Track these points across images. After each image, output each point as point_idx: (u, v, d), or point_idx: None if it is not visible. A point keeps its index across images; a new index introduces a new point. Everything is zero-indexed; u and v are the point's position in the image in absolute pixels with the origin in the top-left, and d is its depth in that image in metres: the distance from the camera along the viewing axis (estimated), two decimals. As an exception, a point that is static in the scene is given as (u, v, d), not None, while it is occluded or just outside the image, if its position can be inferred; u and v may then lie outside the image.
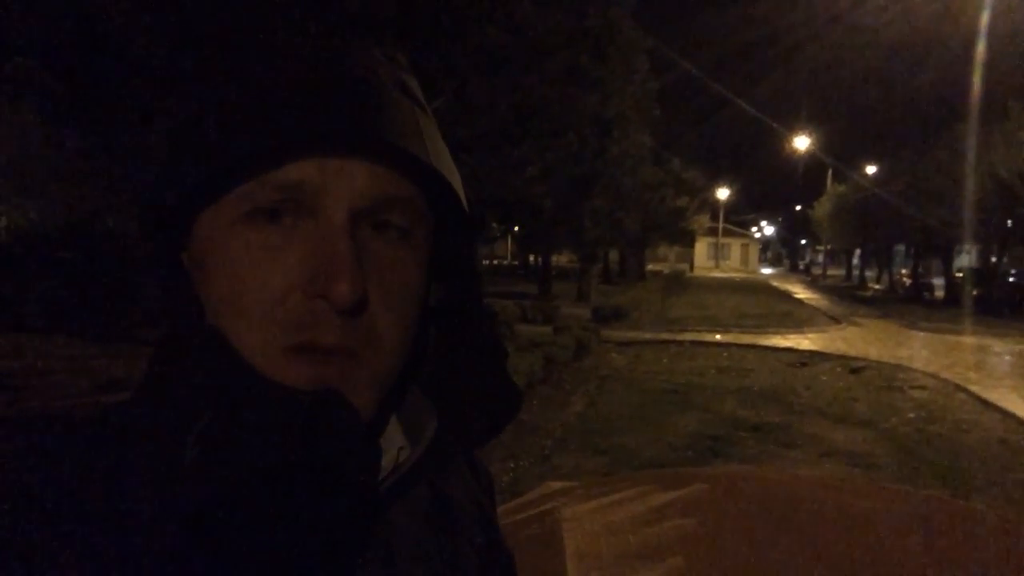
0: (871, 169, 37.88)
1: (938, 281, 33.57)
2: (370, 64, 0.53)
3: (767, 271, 74.14)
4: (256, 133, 0.48)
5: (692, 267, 59.32)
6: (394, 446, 0.58)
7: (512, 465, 5.79)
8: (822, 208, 42.85)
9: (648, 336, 14.57)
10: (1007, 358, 13.48)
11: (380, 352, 0.52)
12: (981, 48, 22.26)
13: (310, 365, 0.50)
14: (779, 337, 15.51)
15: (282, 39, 0.52)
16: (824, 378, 10.48)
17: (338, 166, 0.50)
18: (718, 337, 15.10)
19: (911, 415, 8.16)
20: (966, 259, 33.39)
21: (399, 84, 0.54)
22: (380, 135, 0.50)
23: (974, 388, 9.78)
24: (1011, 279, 24.71)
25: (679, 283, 31.88)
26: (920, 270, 32.93)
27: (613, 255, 34.34)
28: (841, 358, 12.41)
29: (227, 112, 0.50)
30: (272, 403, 0.49)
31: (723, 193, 61.03)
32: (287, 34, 0.53)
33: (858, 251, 44.13)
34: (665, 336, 14.65)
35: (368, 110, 0.50)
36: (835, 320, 20.03)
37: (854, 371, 11.03)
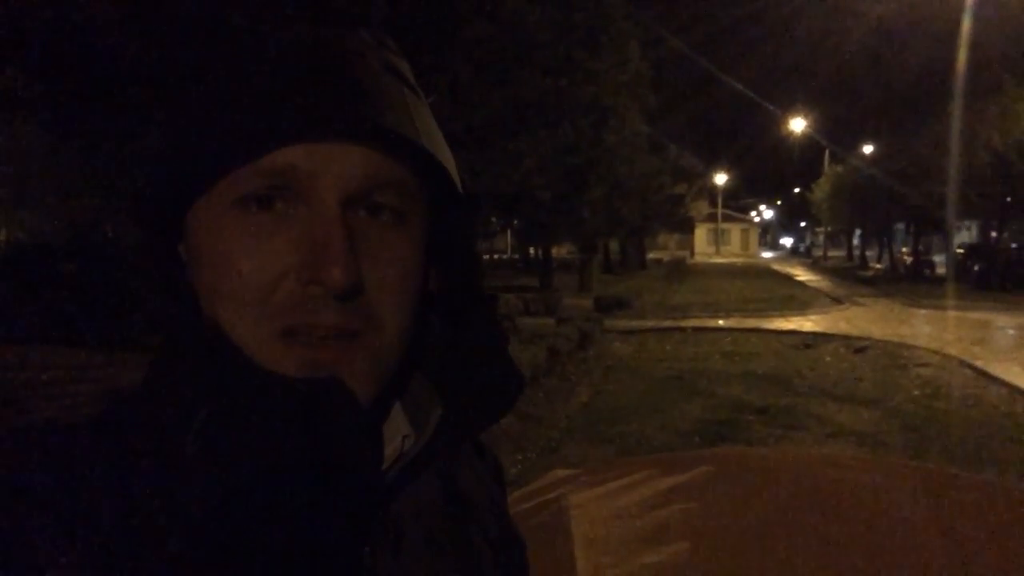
0: (868, 148, 37.76)
1: (939, 258, 33.51)
2: (358, 47, 0.53)
3: (768, 255, 74.07)
4: (245, 119, 0.48)
5: (692, 254, 59.23)
6: (399, 434, 0.58)
7: (520, 457, 5.80)
8: (820, 190, 42.70)
9: (651, 324, 14.57)
10: (1010, 332, 13.47)
11: (380, 335, 0.52)
12: (967, 23, 22.08)
13: (306, 350, 0.50)
14: (782, 320, 15.52)
15: (270, 26, 0.52)
16: (828, 359, 10.49)
17: (328, 151, 0.49)
18: (721, 322, 15.10)
19: (916, 392, 8.16)
20: (966, 235, 33.30)
21: (388, 66, 0.54)
22: (369, 118, 0.49)
23: (978, 363, 9.78)
24: (1014, 245, 24.60)
25: (680, 270, 31.86)
26: (920, 248, 32.87)
27: (613, 245, 34.28)
28: (845, 338, 12.40)
29: (217, 99, 0.50)
30: (269, 393, 0.49)
31: (721, 178, 60.91)
32: (276, 22, 0.52)
33: (858, 231, 44.03)
34: (668, 323, 14.65)
35: (357, 93, 0.50)
36: (837, 301, 20.01)
37: (858, 351, 11.03)
